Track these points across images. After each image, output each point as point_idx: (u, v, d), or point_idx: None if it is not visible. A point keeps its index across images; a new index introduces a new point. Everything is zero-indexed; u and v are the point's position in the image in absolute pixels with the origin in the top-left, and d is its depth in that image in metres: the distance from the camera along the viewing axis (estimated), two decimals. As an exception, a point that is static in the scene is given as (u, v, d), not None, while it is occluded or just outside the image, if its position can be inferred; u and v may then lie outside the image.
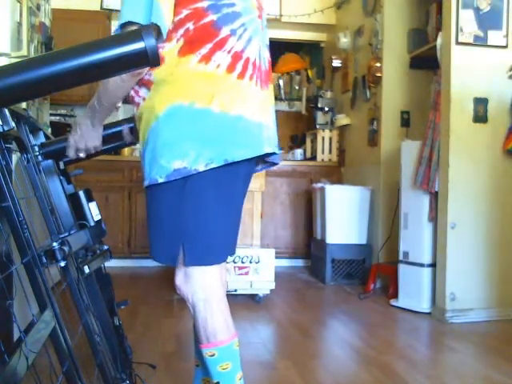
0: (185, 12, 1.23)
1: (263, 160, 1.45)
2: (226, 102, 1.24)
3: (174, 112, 1.24)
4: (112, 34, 1.23)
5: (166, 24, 1.21)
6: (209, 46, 1.23)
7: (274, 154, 1.38)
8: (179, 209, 1.27)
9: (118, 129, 1.53)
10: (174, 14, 1.23)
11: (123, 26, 1.19)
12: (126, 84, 1.24)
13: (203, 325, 1.30)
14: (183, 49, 1.23)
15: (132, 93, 1.32)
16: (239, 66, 1.26)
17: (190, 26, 1.23)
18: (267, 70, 1.37)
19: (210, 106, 1.23)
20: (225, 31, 1.25)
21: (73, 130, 1.41)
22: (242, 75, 1.26)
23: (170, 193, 1.28)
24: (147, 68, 1.24)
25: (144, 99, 1.30)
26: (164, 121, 1.24)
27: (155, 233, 1.33)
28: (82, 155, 1.44)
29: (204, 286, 1.31)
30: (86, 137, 1.39)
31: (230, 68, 1.25)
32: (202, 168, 1.23)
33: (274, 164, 1.47)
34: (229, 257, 1.45)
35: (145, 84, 1.29)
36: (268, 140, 1.31)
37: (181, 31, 1.23)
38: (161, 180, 1.26)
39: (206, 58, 1.23)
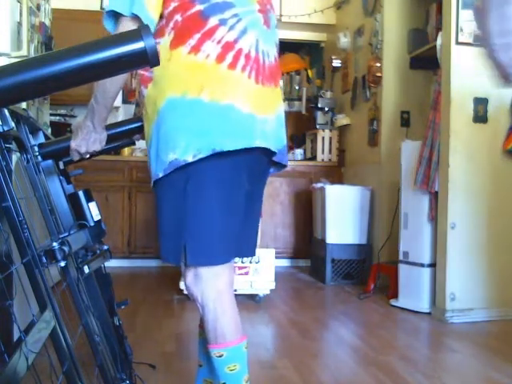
0: (172, 5, 1.24)
1: (273, 162, 1.43)
2: (216, 91, 1.23)
3: (170, 105, 1.24)
4: (103, 19, 1.27)
5: (149, 15, 1.21)
6: (197, 36, 1.23)
7: (276, 153, 1.36)
8: (181, 207, 1.26)
9: (122, 129, 1.53)
10: (164, 8, 1.24)
11: (108, 13, 1.24)
12: (118, 77, 1.23)
13: (212, 325, 1.30)
14: (174, 41, 1.24)
15: (138, 89, 1.33)
16: (229, 57, 1.24)
17: (178, 17, 1.24)
18: (272, 65, 1.34)
19: (200, 96, 1.22)
20: (213, 21, 1.23)
21: (74, 133, 1.40)
22: (232, 65, 1.25)
23: (171, 190, 1.28)
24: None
25: (144, 97, 1.31)
26: (162, 115, 1.25)
27: (162, 232, 1.33)
28: (86, 156, 1.44)
29: (214, 287, 1.31)
30: (87, 141, 1.38)
31: (220, 58, 1.24)
32: (190, 159, 1.22)
33: (284, 166, 1.46)
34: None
35: (144, 81, 1.30)
36: (262, 134, 1.28)
37: (171, 24, 1.24)
38: (161, 175, 1.26)
39: (195, 49, 1.23)
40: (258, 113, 1.28)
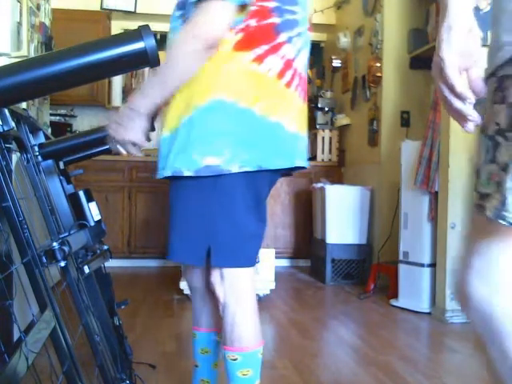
0: (251, 7, 1.19)
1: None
2: (270, 106, 1.22)
3: (215, 106, 1.19)
4: (193, 5, 1.14)
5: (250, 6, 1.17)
6: (265, 47, 1.21)
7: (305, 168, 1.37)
8: (208, 207, 1.23)
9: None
10: None
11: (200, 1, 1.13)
12: (200, 58, 1.14)
13: (231, 327, 1.29)
14: (240, 44, 1.20)
15: None
16: (288, 75, 1.24)
17: (253, 22, 1.20)
18: (305, 81, 1.36)
19: (253, 107, 1.20)
20: (283, 37, 1.23)
21: (115, 116, 1.21)
22: (289, 84, 1.25)
23: (198, 190, 1.24)
24: (227, 34, 1.17)
25: None
26: (203, 113, 1.19)
27: (177, 231, 1.28)
28: (122, 151, 1.23)
29: (238, 289, 1.30)
30: (125, 126, 1.18)
31: (280, 74, 1.23)
32: (235, 169, 1.19)
33: (290, 174, 1.46)
34: None
35: None
36: (300, 153, 1.30)
37: (241, 25, 1.19)
38: (187, 173, 1.20)
39: (259, 59, 1.20)
40: (301, 132, 1.30)
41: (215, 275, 1.31)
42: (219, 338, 1.47)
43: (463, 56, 0.84)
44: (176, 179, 1.25)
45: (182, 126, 1.22)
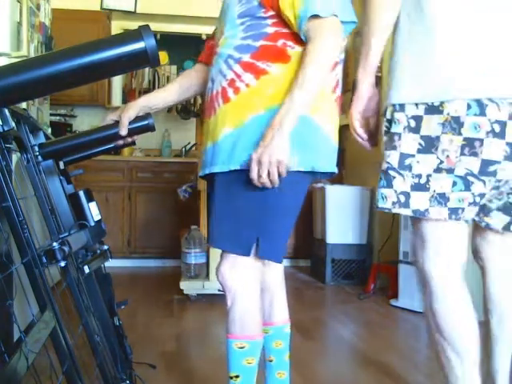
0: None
1: None
2: (324, 117, 1.35)
3: None
4: (299, 22, 1.26)
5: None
6: None
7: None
8: (263, 200, 1.29)
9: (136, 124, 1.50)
10: None
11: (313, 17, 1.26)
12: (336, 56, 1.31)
13: (240, 316, 1.33)
14: None
15: (232, 75, 1.30)
16: (338, 91, 1.41)
17: None
18: None
19: (313, 115, 1.31)
20: (338, 57, 1.39)
21: (266, 136, 1.22)
22: (336, 100, 1.42)
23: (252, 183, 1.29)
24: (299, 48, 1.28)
25: (247, 85, 1.29)
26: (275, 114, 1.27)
27: (227, 221, 1.33)
28: (263, 178, 1.22)
29: (249, 279, 1.35)
30: (274, 145, 1.21)
31: (334, 89, 1.39)
32: (293, 168, 1.27)
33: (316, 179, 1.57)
34: None
35: (254, 71, 1.29)
36: (335, 161, 1.43)
37: None
38: None
39: None
40: (337, 143, 1.44)
41: (226, 264, 1.35)
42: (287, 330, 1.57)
43: (366, 111, 1.46)
44: (229, 173, 1.30)
45: (250, 122, 1.28)
